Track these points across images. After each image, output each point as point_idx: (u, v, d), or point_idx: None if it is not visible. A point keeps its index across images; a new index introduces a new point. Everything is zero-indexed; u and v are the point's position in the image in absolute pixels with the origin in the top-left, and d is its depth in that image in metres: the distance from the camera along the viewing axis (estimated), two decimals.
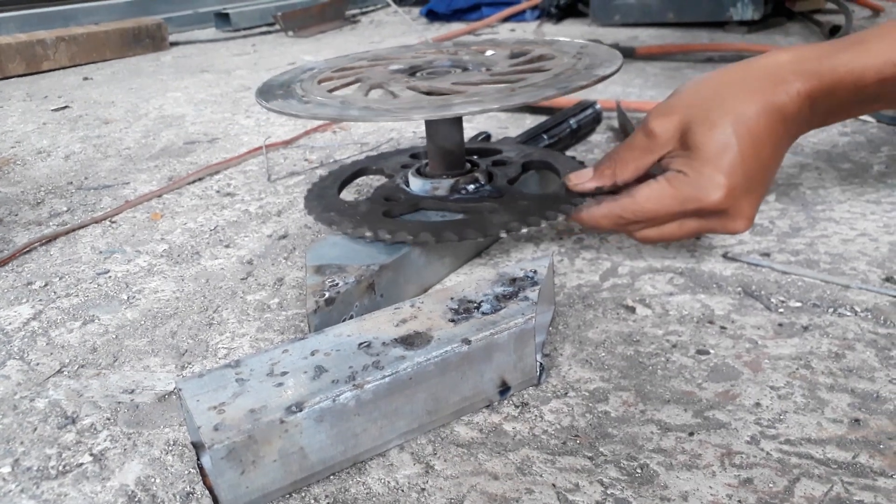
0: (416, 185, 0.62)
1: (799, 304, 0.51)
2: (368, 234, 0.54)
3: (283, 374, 0.38)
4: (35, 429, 0.44)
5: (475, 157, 0.67)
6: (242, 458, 0.34)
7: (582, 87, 0.52)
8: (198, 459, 0.38)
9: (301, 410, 0.35)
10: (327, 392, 0.36)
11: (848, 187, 0.70)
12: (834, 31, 1.46)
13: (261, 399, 0.36)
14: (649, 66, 1.34)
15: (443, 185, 0.60)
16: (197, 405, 0.36)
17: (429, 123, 0.61)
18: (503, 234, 0.53)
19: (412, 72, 0.64)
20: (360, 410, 0.37)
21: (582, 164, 0.66)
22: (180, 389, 0.38)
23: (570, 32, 1.84)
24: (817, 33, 1.54)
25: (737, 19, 1.62)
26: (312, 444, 0.36)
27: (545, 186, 0.70)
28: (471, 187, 0.61)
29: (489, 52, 0.69)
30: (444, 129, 0.61)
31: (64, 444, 0.42)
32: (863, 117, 0.90)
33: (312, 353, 0.40)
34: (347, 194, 0.74)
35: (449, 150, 0.61)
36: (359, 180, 0.78)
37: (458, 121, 0.61)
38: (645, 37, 1.67)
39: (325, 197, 0.62)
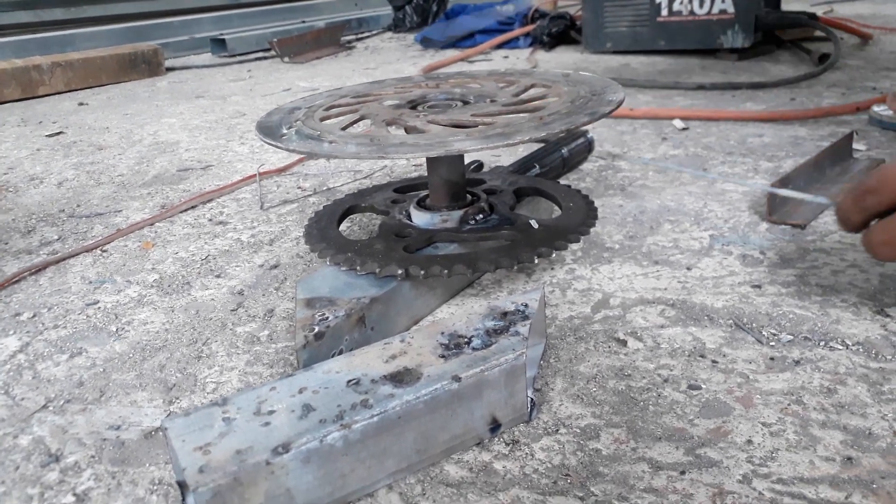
0: (423, 218, 0.62)
1: (790, 338, 0.51)
2: (421, 272, 0.53)
3: (271, 412, 0.38)
4: (17, 467, 0.43)
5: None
6: (227, 500, 0.34)
7: (608, 113, 0.53)
8: (183, 500, 0.37)
9: (288, 452, 0.35)
10: (314, 432, 0.36)
11: None
12: (823, 59, 1.48)
13: (247, 439, 0.36)
14: (641, 93, 1.36)
15: (452, 217, 0.61)
16: (182, 445, 0.36)
17: (432, 157, 0.61)
18: (536, 260, 0.56)
19: (413, 106, 0.64)
20: (347, 451, 0.37)
21: (578, 191, 0.67)
22: (166, 429, 0.37)
23: (562, 59, 1.86)
24: (806, 61, 1.56)
25: (727, 47, 1.64)
26: (299, 486, 0.36)
27: (537, 211, 0.70)
28: (479, 217, 0.61)
29: (473, 84, 0.69)
30: (449, 162, 0.61)
31: (46, 484, 0.41)
32: (864, 127, 0.90)
33: (300, 391, 0.39)
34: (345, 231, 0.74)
35: (453, 182, 0.62)
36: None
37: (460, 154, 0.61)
38: (636, 64, 1.69)
39: (329, 238, 0.60)
